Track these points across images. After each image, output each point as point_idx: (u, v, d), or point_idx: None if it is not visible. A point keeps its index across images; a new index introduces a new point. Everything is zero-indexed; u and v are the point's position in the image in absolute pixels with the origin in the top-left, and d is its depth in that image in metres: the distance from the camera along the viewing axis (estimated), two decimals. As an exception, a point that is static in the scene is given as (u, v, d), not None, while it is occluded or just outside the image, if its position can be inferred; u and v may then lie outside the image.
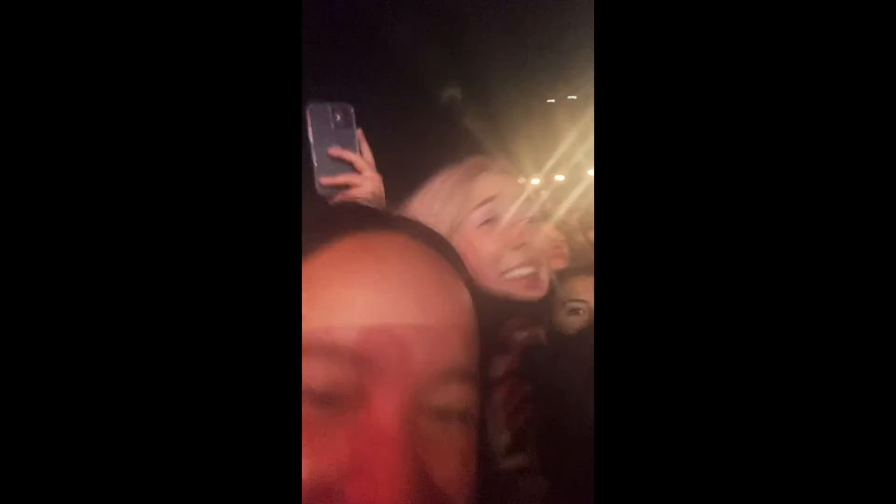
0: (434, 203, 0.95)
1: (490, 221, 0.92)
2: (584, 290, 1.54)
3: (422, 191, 0.97)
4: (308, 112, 0.97)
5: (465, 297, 0.47)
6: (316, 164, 0.97)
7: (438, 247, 0.49)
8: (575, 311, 1.49)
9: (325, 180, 0.95)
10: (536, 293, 0.91)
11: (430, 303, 0.43)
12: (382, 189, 1.00)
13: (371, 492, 0.36)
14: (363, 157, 0.99)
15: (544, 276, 0.93)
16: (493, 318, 0.81)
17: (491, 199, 0.93)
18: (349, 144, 0.97)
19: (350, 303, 0.41)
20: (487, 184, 0.95)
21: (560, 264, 2.29)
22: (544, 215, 0.96)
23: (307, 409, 0.39)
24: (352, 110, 0.99)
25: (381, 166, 1.03)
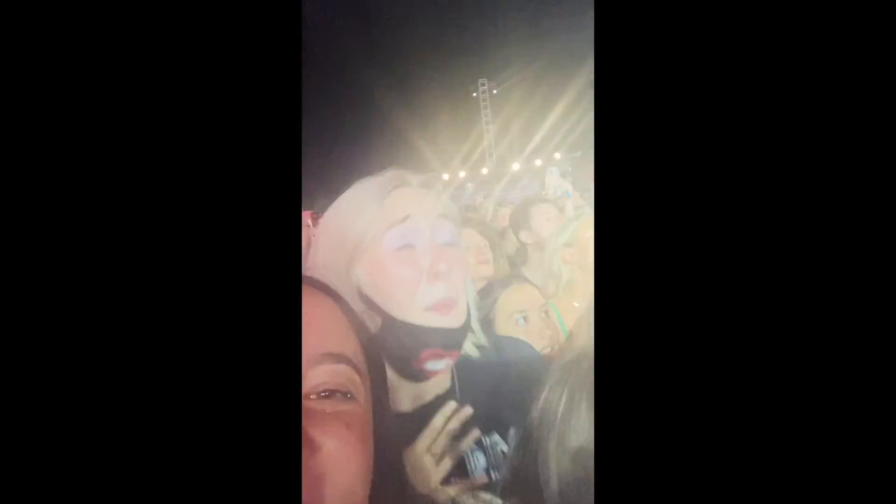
0: (344, 217, 0.86)
1: (406, 247, 0.82)
2: (524, 301, 1.44)
3: (334, 203, 0.88)
4: None
5: (333, 307, 0.52)
6: None
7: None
8: (517, 323, 1.40)
9: None
10: (454, 322, 0.83)
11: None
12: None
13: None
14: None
15: (462, 304, 0.85)
16: (410, 345, 0.81)
17: (405, 218, 0.82)
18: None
19: None
20: (403, 200, 0.84)
21: (486, 271, 2.07)
22: (466, 222, 0.89)
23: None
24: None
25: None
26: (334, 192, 0.91)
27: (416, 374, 0.87)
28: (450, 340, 0.86)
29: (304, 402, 0.45)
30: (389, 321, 0.83)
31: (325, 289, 0.54)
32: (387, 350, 0.83)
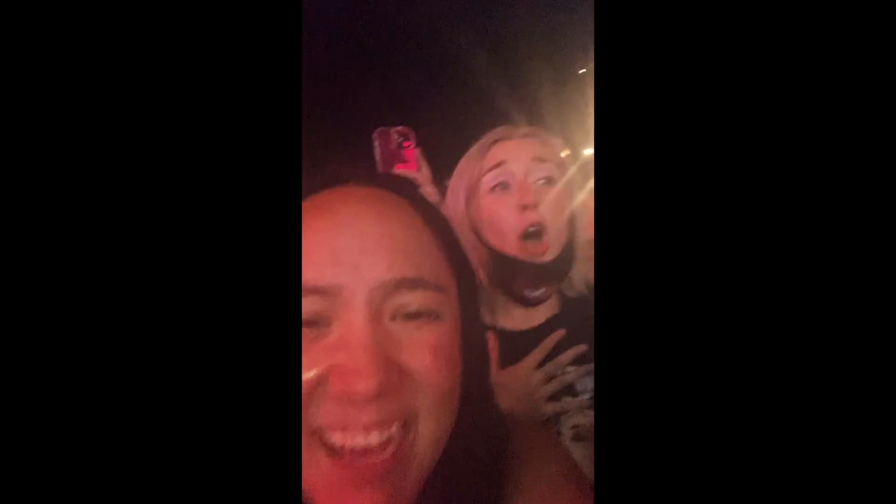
0: (461, 169, 1.01)
1: (500, 185, 0.95)
2: None
3: (460, 161, 1.03)
4: (375, 136, 1.10)
5: (418, 221, 0.51)
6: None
7: (422, 206, 0.53)
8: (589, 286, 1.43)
9: None
10: (546, 255, 0.92)
11: (383, 232, 0.48)
12: (440, 201, 1.08)
13: (348, 388, 0.43)
14: (422, 174, 1.08)
15: (555, 240, 0.93)
16: (508, 274, 0.94)
17: (500, 163, 0.95)
18: (418, 163, 1.08)
19: (321, 242, 0.47)
20: (501, 150, 0.98)
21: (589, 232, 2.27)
22: (563, 180, 0.97)
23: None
24: (412, 134, 1.09)
25: (427, 150, 1.13)
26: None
27: (521, 300, 0.99)
28: (544, 273, 0.96)
29: (388, 324, 0.47)
30: (492, 252, 0.97)
31: (421, 215, 0.53)
32: (493, 277, 0.96)
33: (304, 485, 0.46)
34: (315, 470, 0.45)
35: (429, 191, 1.10)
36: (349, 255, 0.46)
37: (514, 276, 0.96)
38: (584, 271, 1.41)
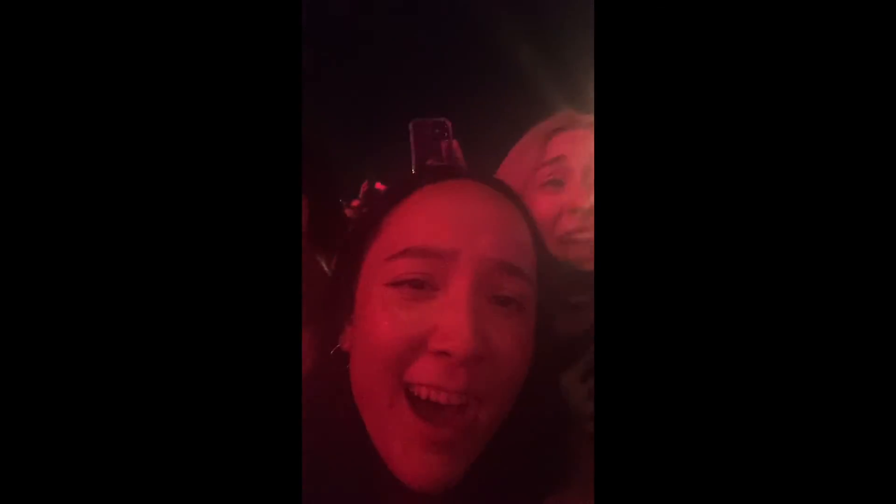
0: (511, 163, 0.95)
1: (554, 182, 0.88)
2: None
3: (516, 144, 0.97)
4: (411, 127, 1.05)
5: (522, 220, 0.57)
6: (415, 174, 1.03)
7: (507, 193, 0.59)
8: None
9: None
10: (587, 264, 0.84)
11: (494, 217, 0.54)
12: None
13: (449, 347, 0.47)
14: (459, 166, 1.02)
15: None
16: (549, 277, 0.78)
17: (559, 158, 0.88)
18: (447, 156, 1.02)
19: (431, 217, 0.53)
20: (560, 143, 0.91)
21: None
22: None
23: (392, 293, 0.50)
24: (449, 125, 1.04)
25: (471, 140, 1.07)
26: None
27: (562, 305, 0.88)
28: (587, 280, 0.87)
29: (486, 304, 0.51)
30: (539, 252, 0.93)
31: (516, 201, 0.59)
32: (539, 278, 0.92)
33: (382, 432, 0.51)
34: (397, 419, 0.50)
35: None
36: (466, 227, 0.52)
37: (556, 279, 0.89)
38: None
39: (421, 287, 0.50)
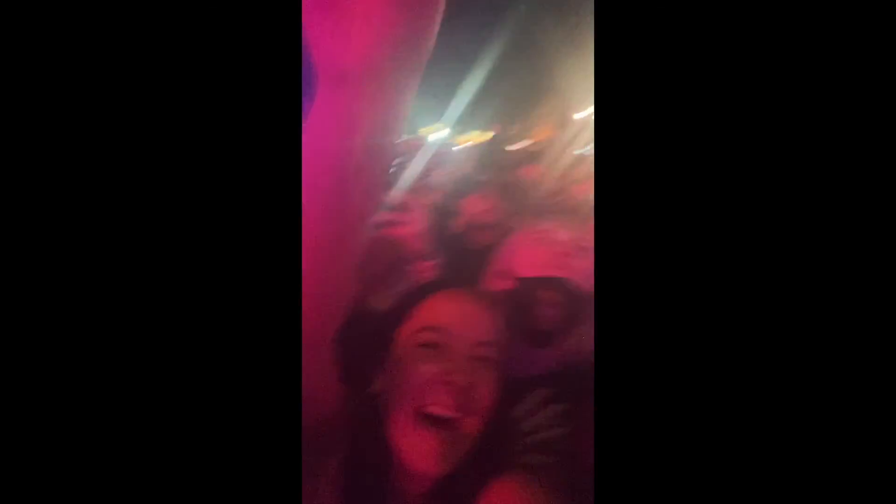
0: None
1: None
2: None
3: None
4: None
5: (489, 314, 0.80)
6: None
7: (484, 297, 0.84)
8: None
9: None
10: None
11: (474, 312, 0.79)
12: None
13: (452, 381, 0.71)
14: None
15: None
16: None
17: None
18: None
19: (438, 312, 0.79)
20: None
21: None
22: None
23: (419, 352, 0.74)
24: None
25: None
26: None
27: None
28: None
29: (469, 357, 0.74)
30: None
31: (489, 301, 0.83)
32: None
33: (398, 448, 0.71)
34: (412, 436, 0.70)
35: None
36: (458, 318, 0.77)
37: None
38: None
39: (433, 348, 0.74)
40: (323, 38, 0.42)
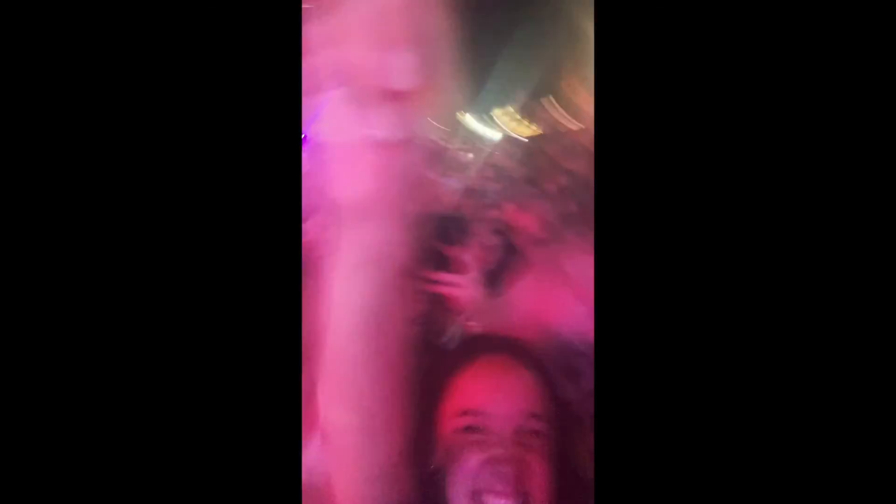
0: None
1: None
2: None
3: None
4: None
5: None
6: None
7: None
8: None
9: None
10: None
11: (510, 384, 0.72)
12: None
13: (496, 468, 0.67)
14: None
15: None
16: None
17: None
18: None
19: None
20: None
21: None
22: None
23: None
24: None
25: None
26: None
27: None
28: None
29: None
30: None
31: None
32: None
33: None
34: None
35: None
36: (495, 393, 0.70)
37: None
38: None
39: (477, 431, 0.68)
40: None
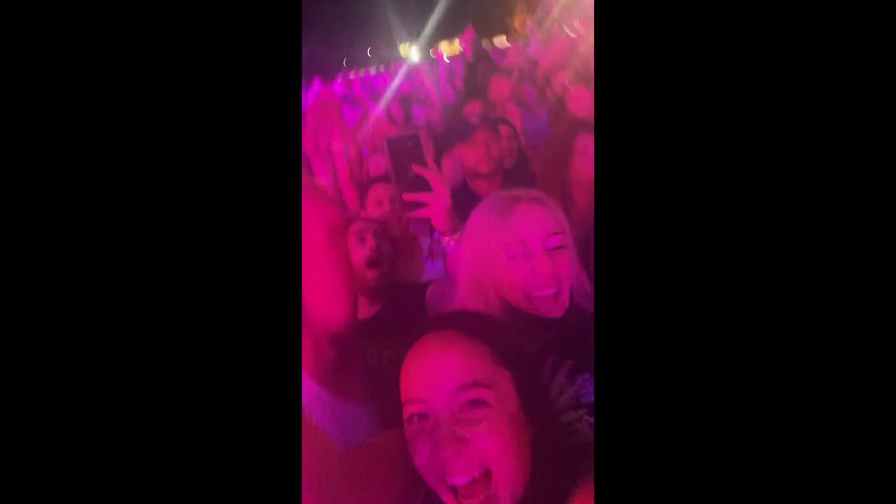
0: (479, 241, 1.06)
1: (519, 255, 1.02)
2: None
3: (470, 223, 1.08)
4: (385, 143, 1.13)
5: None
6: (395, 185, 1.14)
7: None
8: None
9: (406, 197, 1.13)
10: (557, 312, 1.01)
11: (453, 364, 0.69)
12: (450, 204, 1.15)
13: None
14: (436, 176, 1.14)
15: (565, 297, 1.02)
16: (520, 330, 0.93)
17: (522, 242, 1.02)
18: (422, 165, 1.12)
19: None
20: (520, 218, 1.04)
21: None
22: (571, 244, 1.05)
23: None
24: (422, 138, 1.14)
25: None
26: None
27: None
28: (547, 322, 1.03)
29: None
30: (510, 309, 1.05)
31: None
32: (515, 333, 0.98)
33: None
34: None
35: (443, 193, 1.16)
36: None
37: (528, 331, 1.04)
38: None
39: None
40: None
